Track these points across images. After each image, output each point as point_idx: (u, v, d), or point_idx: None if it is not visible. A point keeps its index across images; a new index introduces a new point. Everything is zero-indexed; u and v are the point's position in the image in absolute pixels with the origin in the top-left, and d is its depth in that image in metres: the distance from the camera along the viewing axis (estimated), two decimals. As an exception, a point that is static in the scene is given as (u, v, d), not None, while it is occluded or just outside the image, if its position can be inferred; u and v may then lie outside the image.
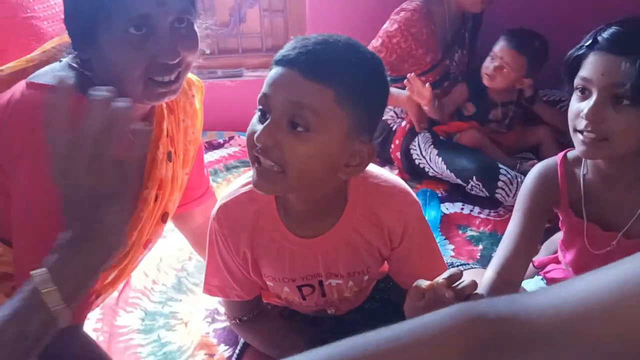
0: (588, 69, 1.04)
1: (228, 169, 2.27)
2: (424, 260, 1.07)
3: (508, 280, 1.15)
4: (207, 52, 1.10)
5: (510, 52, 2.05)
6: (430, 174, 2.16)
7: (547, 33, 2.11)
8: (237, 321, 1.17)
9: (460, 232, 1.90)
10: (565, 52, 1.12)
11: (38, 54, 1.09)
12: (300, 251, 1.04)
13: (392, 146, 2.22)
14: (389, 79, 0.94)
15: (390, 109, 2.27)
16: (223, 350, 1.38)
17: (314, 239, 1.03)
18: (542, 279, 1.39)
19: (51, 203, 0.80)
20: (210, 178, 1.48)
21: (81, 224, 0.70)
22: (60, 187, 0.69)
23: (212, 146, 2.39)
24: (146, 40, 0.94)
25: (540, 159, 2.06)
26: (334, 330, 1.27)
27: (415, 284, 0.91)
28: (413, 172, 2.20)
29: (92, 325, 1.43)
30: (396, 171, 2.20)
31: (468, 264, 1.45)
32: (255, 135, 0.86)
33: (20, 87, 0.97)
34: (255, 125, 0.89)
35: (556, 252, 1.54)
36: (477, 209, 2.00)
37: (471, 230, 1.91)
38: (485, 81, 2.11)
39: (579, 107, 1.06)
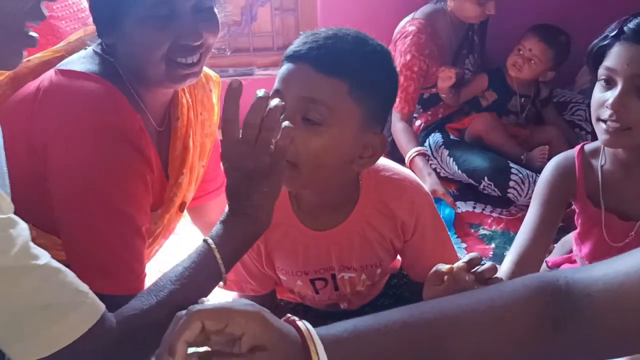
0: (613, 59, 1.05)
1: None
2: (437, 251, 1.07)
3: (525, 270, 1.15)
4: (216, 52, 1.12)
5: (540, 44, 2.10)
6: (442, 174, 2.16)
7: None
8: (252, 316, 1.17)
9: (472, 230, 1.90)
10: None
11: (63, 45, 1.11)
12: (314, 244, 1.04)
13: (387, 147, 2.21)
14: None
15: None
16: (236, 345, 1.38)
17: (327, 231, 1.03)
18: (556, 278, 1.39)
19: (85, 179, 0.88)
20: (221, 174, 1.49)
21: (237, 202, 0.83)
22: (226, 168, 0.82)
23: (223, 143, 2.39)
24: (169, 22, 0.96)
25: (549, 157, 2.07)
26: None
27: (434, 268, 0.92)
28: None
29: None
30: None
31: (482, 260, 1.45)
32: None
33: (48, 75, 0.99)
34: None
35: (569, 252, 1.54)
36: (489, 208, 2.00)
37: (483, 229, 1.90)
38: (512, 72, 2.15)
39: (603, 97, 1.06)
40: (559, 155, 1.25)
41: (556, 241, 1.74)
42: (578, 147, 1.21)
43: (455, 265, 0.89)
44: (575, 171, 1.19)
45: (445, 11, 2.06)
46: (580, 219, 1.25)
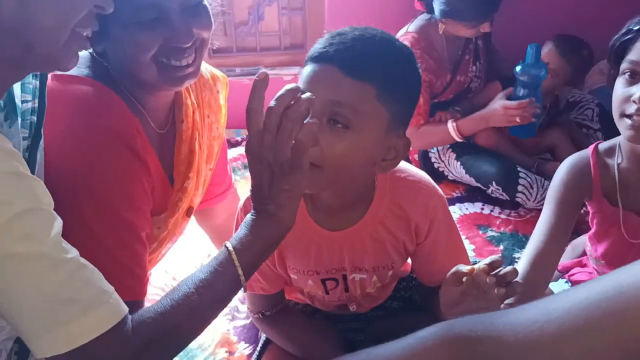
0: (638, 53, 1.03)
1: (246, 166, 2.26)
2: (449, 255, 1.06)
3: (541, 271, 1.16)
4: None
5: (558, 58, 2.03)
6: (449, 177, 2.14)
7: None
8: (260, 316, 1.17)
9: (480, 232, 1.88)
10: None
11: None
12: (327, 244, 1.04)
13: (410, 148, 2.19)
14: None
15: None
16: (243, 348, 1.38)
17: (341, 231, 1.03)
18: (566, 282, 1.38)
19: (82, 184, 0.90)
20: (229, 176, 1.48)
21: (261, 200, 0.82)
22: (249, 160, 0.80)
23: (229, 144, 2.38)
24: (158, 25, 0.94)
25: (557, 160, 2.06)
26: (355, 329, 1.26)
27: (454, 268, 0.92)
28: (431, 174, 2.16)
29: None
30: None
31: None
32: None
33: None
34: None
35: (580, 255, 1.53)
36: (497, 209, 1.99)
37: (492, 230, 1.89)
38: None
39: (627, 92, 1.05)
40: (572, 155, 1.24)
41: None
42: (592, 146, 1.20)
43: (477, 266, 0.89)
44: (590, 170, 1.18)
45: (438, 24, 2.00)
46: (596, 219, 1.24)
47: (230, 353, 1.37)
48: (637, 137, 1.07)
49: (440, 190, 1.07)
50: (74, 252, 0.73)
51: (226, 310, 1.46)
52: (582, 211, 1.81)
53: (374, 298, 1.19)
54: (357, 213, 1.02)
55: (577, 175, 1.19)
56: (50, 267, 0.69)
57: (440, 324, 0.63)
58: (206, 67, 1.21)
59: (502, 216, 1.96)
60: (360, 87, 0.85)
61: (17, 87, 0.82)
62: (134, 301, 0.81)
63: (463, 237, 1.83)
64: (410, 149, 0.98)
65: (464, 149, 2.10)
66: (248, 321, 1.44)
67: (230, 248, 0.80)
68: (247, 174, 2.21)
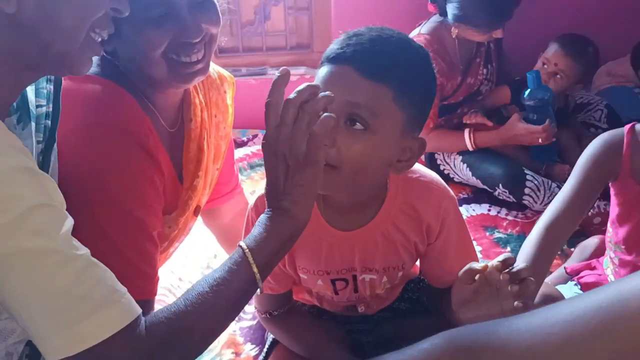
0: None
1: (252, 167, 2.26)
2: (459, 255, 1.06)
3: (554, 238, 1.18)
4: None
5: (565, 58, 2.00)
6: (455, 180, 2.13)
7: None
8: (268, 316, 1.17)
9: (487, 233, 1.87)
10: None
11: None
12: (338, 244, 1.04)
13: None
14: None
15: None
16: (250, 349, 1.37)
17: (352, 231, 1.02)
18: (575, 284, 1.37)
19: (93, 183, 0.90)
20: (235, 175, 1.48)
21: (276, 196, 0.81)
22: (265, 152, 0.80)
23: (235, 144, 2.38)
24: (166, 21, 0.94)
25: (565, 162, 2.05)
26: (363, 330, 1.26)
27: (467, 266, 0.92)
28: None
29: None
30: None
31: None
32: None
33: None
34: None
35: (588, 258, 1.53)
36: (504, 211, 1.97)
37: (498, 232, 1.88)
38: None
39: None
40: (606, 132, 1.25)
41: (574, 245, 1.72)
42: (628, 125, 1.21)
43: (490, 263, 0.89)
44: (622, 149, 1.19)
45: (451, 27, 2.00)
46: (619, 201, 1.25)
47: (237, 354, 1.36)
48: None
49: (451, 191, 1.07)
50: (85, 250, 0.72)
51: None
52: (589, 213, 1.82)
53: (383, 299, 1.19)
54: (369, 213, 1.02)
55: (607, 152, 1.20)
56: (60, 263, 0.68)
57: (442, 333, 0.62)
58: (213, 67, 1.21)
59: (509, 218, 1.95)
60: (378, 88, 0.84)
61: (31, 92, 0.83)
62: (144, 300, 0.80)
63: (470, 238, 1.83)
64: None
65: (470, 151, 2.09)
66: (254, 322, 1.44)
67: (245, 247, 0.79)
68: (253, 174, 2.22)
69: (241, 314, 1.46)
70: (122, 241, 0.91)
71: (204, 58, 1.00)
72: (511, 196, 1.95)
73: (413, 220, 1.03)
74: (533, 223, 1.89)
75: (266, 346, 1.25)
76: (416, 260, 1.13)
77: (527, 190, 1.91)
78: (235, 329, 1.42)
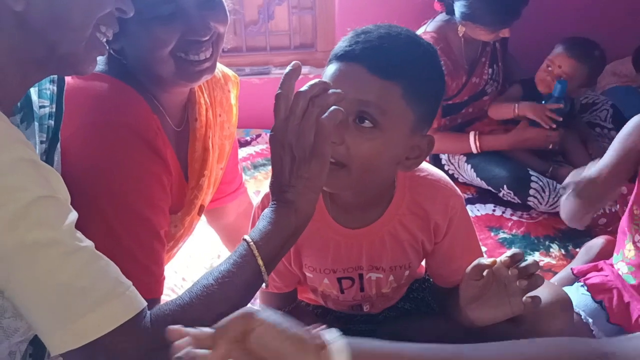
0: None
1: (255, 166, 2.26)
2: (466, 254, 1.06)
3: (590, 205, 1.27)
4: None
5: (570, 61, 1.99)
6: (460, 180, 2.12)
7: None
8: (273, 314, 1.16)
9: (492, 234, 1.86)
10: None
11: None
12: (345, 242, 1.03)
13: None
14: None
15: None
16: (253, 349, 1.36)
17: (360, 229, 1.02)
18: (582, 286, 1.36)
19: (101, 181, 0.90)
20: (239, 175, 1.47)
21: (280, 188, 0.81)
22: (272, 143, 0.80)
23: (239, 143, 2.37)
24: (175, 19, 0.94)
25: (570, 164, 2.04)
26: (367, 331, 1.25)
27: (475, 262, 0.92)
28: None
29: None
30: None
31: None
32: None
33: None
34: None
35: (594, 259, 1.52)
36: (509, 211, 1.97)
37: (503, 232, 1.87)
38: (541, 88, 2.04)
39: None
40: None
41: (579, 246, 1.71)
42: None
43: (499, 259, 0.89)
44: None
45: (457, 25, 1.99)
46: None
47: (240, 354, 1.35)
48: None
49: (458, 190, 1.07)
50: (88, 243, 0.72)
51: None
52: (594, 214, 1.81)
53: (388, 298, 1.19)
54: (376, 211, 1.02)
55: None
56: (64, 254, 0.68)
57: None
58: (218, 66, 1.21)
59: (514, 218, 1.94)
60: (387, 86, 0.84)
61: (34, 93, 0.83)
62: (150, 299, 0.79)
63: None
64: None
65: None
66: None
67: (249, 240, 0.79)
68: (257, 174, 2.21)
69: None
70: (130, 239, 0.91)
71: (211, 56, 1.00)
72: (516, 197, 1.94)
73: (420, 218, 1.03)
74: (538, 223, 1.90)
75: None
76: (423, 260, 1.13)
77: (531, 192, 1.90)
78: (239, 329, 1.41)
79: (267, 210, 0.82)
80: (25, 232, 0.66)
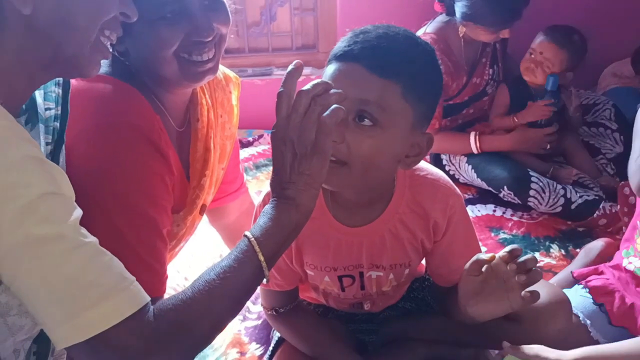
0: None
1: (257, 167, 2.27)
2: (465, 253, 1.06)
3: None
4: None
5: (550, 46, 2.00)
6: (460, 181, 2.13)
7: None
8: (274, 312, 1.18)
9: (492, 234, 1.87)
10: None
11: None
12: (345, 240, 1.05)
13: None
14: None
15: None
16: (255, 348, 1.38)
17: (360, 228, 1.04)
18: (583, 288, 1.36)
19: (105, 181, 0.90)
20: (240, 175, 1.48)
21: (280, 184, 0.82)
22: (273, 140, 0.81)
23: (241, 144, 2.38)
24: (179, 20, 0.96)
25: (569, 165, 2.04)
26: (368, 330, 1.26)
27: (474, 257, 0.93)
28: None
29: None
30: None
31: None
32: None
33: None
34: None
35: (593, 261, 1.53)
36: (509, 212, 1.97)
37: (504, 232, 1.88)
38: (526, 77, 2.06)
39: None
40: None
41: (579, 246, 1.72)
42: None
43: (498, 255, 0.90)
44: None
45: (457, 26, 1.99)
46: None
47: (242, 354, 1.37)
48: None
49: (458, 190, 1.08)
50: (92, 238, 0.73)
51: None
52: (594, 215, 1.82)
53: (389, 297, 1.20)
54: (377, 210, 1.03)
55: None
56: (69, 249, 0.69)
57: None
58: (219, 68, 1.22)
59: (515, 218, 1.94)
60: (386, 84, 0.85)
61: (39, 96, 0.84)
62: (153, 298, 0.80)
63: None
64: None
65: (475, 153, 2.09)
66: (259, 322, 1.44)
67: (250, 236, 0.80)
68: (259, 174, 2.22)
69: (246, 313, 1.47)
70: (133, 238, 0.92)
71: (214, 57, 1.02)
72: (516, 198, 1.94)
73: (420, 217, 1.04)
74: (538, 224, 1.91)
75: (271, 345, 1.26)
76: (422, 258, 1.14)
77: (532, 192, 1.90)
78: (241, 328, 1.42)
79: (267, 207, 0.83)
80: (32, 227, 0.67)
